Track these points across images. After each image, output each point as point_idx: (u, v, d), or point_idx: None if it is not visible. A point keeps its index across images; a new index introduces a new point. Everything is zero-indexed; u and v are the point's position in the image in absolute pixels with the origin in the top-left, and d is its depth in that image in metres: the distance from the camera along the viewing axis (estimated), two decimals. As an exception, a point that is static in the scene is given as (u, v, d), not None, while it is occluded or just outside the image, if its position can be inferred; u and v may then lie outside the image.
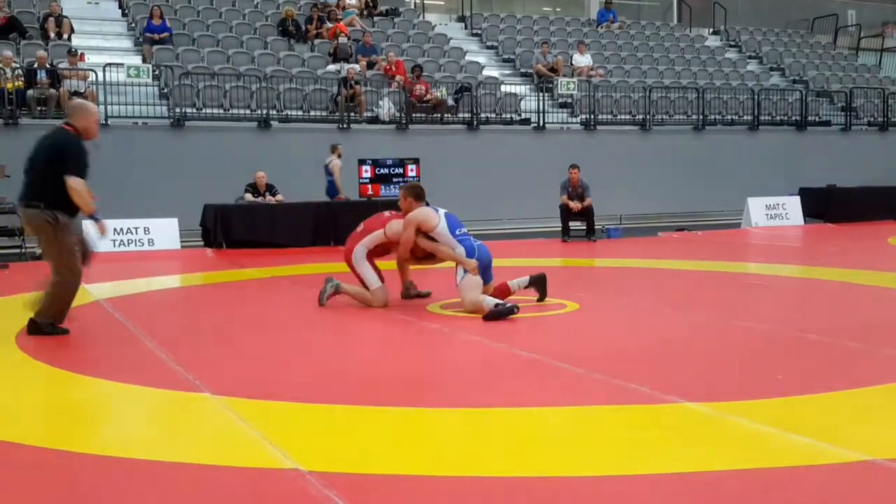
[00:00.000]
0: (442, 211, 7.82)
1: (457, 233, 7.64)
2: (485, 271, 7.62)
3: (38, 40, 16.59)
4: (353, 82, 17.11)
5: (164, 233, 13.29)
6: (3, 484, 3.62)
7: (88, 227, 6.61)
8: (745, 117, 21.00)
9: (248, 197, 13.70)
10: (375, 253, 8.00)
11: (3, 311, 8.10)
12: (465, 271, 7.45)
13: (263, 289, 9.68)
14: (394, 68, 18.15)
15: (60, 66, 15.53)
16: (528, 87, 19.96)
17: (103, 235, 6.68)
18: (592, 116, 19.30)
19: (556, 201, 14.64)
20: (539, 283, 7.91)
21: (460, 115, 18.12)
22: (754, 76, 23.26)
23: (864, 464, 3.63)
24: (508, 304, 7.19)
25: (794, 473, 3.58)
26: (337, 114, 16.95)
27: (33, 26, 17.11)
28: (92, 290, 9.25)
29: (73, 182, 6.28)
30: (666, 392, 4.73)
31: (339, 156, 14.67)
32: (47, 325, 6.52)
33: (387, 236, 7.89)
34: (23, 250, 12.88)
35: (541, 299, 7.91)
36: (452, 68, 19.61)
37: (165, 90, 16.37)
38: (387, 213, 8.26)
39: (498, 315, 7.05)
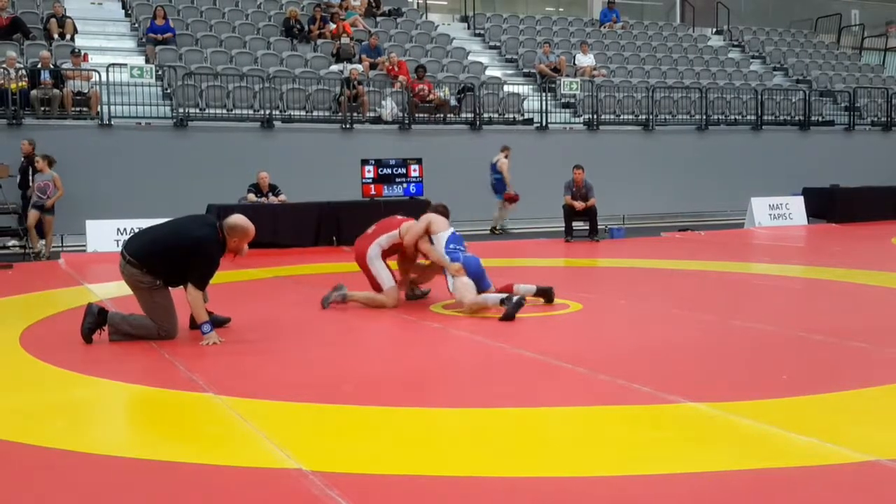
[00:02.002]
0: (451, 229, 7.94)
1: (450, 246, 7.74)
2: (477, 281, 7.64)
3: (42, 41, 16.61)
4: (355, 82, 17.11)
5: (168, 233, 13.27)
6: (6, 484, 3.62)
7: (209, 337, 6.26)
8: (748, 117, 20.97)
9: (251, 197, 13.70)
10: (388, 253, 8.09)
11: (7, 312, 8.11)
12: (453, 277, 7.55)
13: (266, 289, 9.68)
14: (396, 68, 18.15)
15: (64, 66, 15.54)
16: (530, 87, 19.94)
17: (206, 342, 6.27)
18: (595, 116, 19.27)
19: (559, 201, 14.63)
20: (546, 294, 7.93)
21: (463, 115, 18.12)
22: (757, 76, 23.23)
23: (868, 464, 3.62)
24: (515, 298, 7.22)
25: (798, 473, 3.57)
26: (340, 114, 16.95)
27: (37, 27, 17.12)
28: (95, 290, 9.27)
29: (193, 294, 6.20)
30: (670, 392, 4.72)
31: (507, 156, 15.97)
32: (95, 324, 6.31)
33: (401, 236, 7.96)
34: (26, 251, 12.91)
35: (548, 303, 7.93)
36: (455, 68, 19.60)
37: (168, 90, 16.38)
38: (399, 216, 8.32)
39: (514, 311, 7.07)
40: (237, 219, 6.52)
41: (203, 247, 6.30)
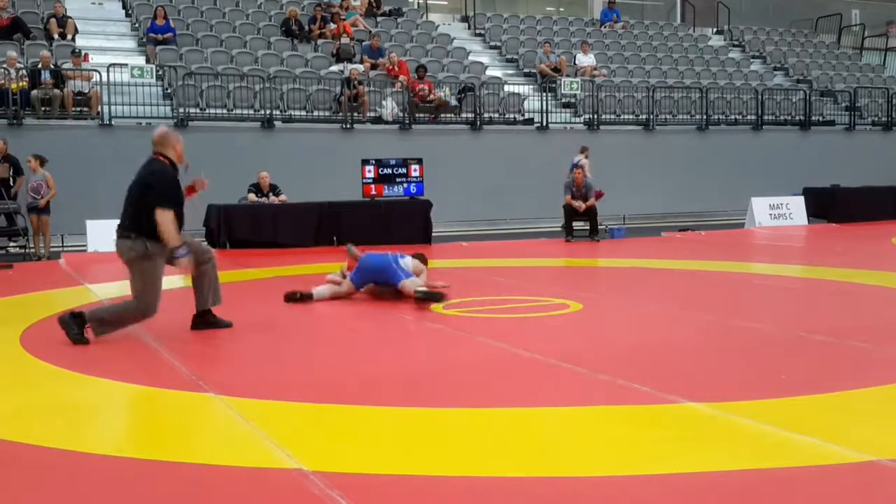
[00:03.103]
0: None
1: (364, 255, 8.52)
2: (369, 274, 8.31)
3: (42, 41, 16.62)
4: (356, 82, 17.11)
5: (168, 233, 13.25)
6: (8, 484, 3.62)
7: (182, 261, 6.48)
8: (748, 117, 20.97)
9: (252, 197, 13.70)
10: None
11: (8, 312, 8.11)
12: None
13: (267, 289, 9.68)
14: (397, 68, 18.15)
15: (64, 66, 15.55)
16: (531, 87, 19.95)
17: (185, 273, 6.63)
18: (596, 116, 19.28)
19: (560, 201, 14.63)
20: (429, 297, 8.01)
21: (463, 115, 18.12)
22: (758, 76, 23.23)
23: (868, 464, 3.62)
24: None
25: (798, 473, 3.57)
26: (340, 114, 16.96)
27: (37, 27, 17.13)
28: (96, 291, 9.27)
29: (162, 215, 6.34)
30: (670, 392, 4.72)
31: (587, 156, 16.30)
32: (77, 327, 6.38)
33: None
34: (27, 251, 12.92)
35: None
36: (456, 68, 19.60)
37: (169, 90, 16.39)
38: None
39: None
40: (157, 131, 6.75)
41: (155, 175, 6.52)
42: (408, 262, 8.37)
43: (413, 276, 8.18)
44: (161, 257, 6.50)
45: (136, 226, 6.46)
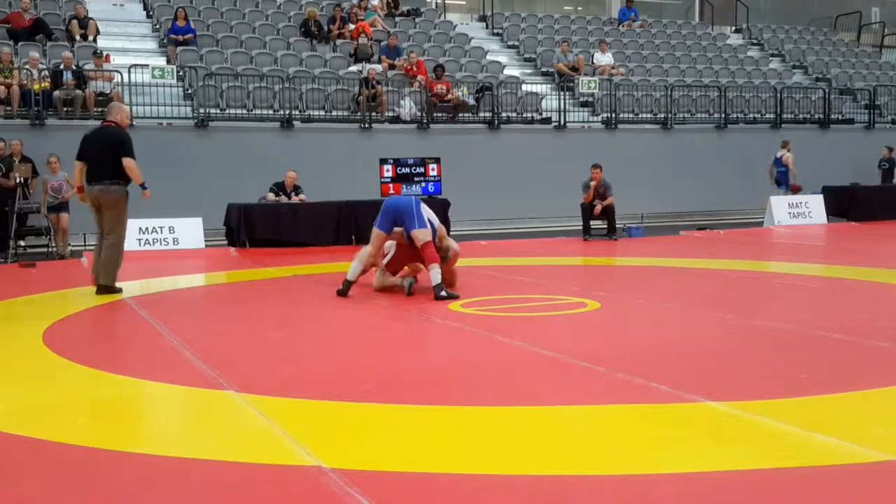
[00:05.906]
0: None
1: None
2: (392, 213, 8.50)
3: (64, 42, 16.76)
4: (374, 82, 17.17)
5: (189, 232, 13.39)
6: (32, 481, 3.67)
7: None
8: (767, 116, 20.87)
9: (270, 196, 13.76)
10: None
11: (30, 309, 8.21)
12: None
13: (286, 287, 9.74)
14: (415, 68, 18.19)
15: (86, 67, 15.68)
16: (549, 86, 19.93)
17: (147, 199, 9.11)
18: (614, 115, 19.24)
19: (578, 200, 14.63)
20: (441, 293, 8.18)
21: (481, 114, 18.14)
22: (777, 74, 23.11)
23: (889, 464, 3.62)
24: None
25: (818, 473, 3.57)
26: (359, 114, 17.02)
27: (59, 28, 17.28)
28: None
29: (129, 162, 8.84)
30: (688, 391, 4.73)
31: (789, 150, 17.58)
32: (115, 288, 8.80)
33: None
34: (49, 250, 13.04)
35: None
36: (473, 68, 19.62)
37: (190, 91, 16.49)
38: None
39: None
40: (112, 103, 9.53)
41: (123, 136, 9.05)
42: (429, 211, 8.58)
43: (426, 228, 8.32)
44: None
45: (120, 174, 8.81)
